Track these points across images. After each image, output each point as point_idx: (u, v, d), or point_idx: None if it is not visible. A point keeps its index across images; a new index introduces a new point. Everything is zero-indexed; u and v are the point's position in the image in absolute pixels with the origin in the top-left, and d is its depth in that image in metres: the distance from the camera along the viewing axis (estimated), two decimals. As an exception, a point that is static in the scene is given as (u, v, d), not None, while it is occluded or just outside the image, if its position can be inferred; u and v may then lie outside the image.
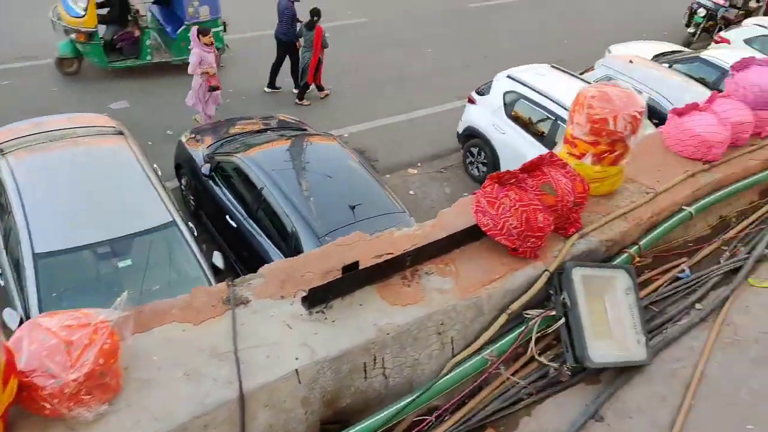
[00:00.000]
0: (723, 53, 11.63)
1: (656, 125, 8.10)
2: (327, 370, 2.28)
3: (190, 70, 9.55)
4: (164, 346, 2.22)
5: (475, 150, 10.43)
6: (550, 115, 9.49)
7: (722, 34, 13.12)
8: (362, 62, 12.67)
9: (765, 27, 12.62)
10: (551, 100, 9.54)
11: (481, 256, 2.88)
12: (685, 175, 3.61)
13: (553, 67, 10.59)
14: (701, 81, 10.79)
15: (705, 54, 11.70)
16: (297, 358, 2.24)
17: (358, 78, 12.26)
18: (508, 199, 2.79)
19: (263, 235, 7.29)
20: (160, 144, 9.38)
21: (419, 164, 10.68)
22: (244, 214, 7.43)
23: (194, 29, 9.64)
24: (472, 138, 10.45)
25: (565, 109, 9.31)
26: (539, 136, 9.60)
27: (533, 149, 9.45)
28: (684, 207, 3.51)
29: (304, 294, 2.41)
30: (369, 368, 2.40)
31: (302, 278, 2.56)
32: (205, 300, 2.40)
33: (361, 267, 2.55)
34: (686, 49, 12.84)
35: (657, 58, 12.06)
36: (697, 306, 3.27)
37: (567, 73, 10.46)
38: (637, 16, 15.77)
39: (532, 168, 3.11)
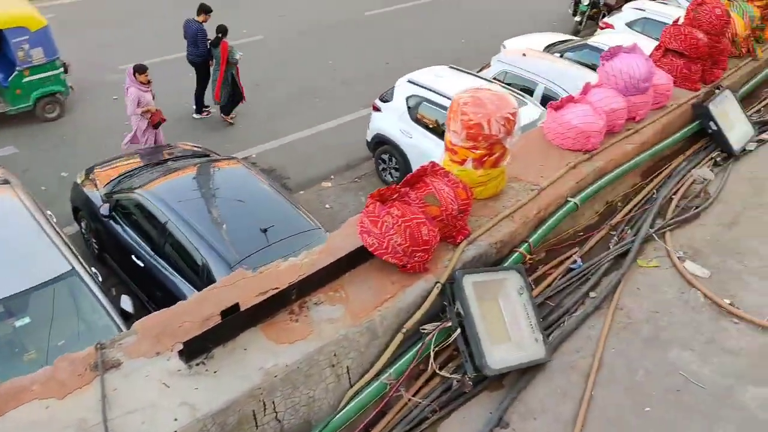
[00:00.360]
0: (607, 38, 12.17)
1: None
2: (211, 425, 2.14)
3: (129, 111, 8.99)
4: (24, 431, 2.01)
5: (386, 156, 10.45)
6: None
7: (606, 20, 13.76)
8: (264, 80, 12.44)
9: (642, 10, 13.33)
10: (449, 98, 9.67)
11: (371, 277, 2.81)
12: (567, 167, 3.68)
13: (451, 67, 10.77)
14: (591, 66, 11.26)
15: (591, 41, 12.22)
16: (176, 419, 2.08)
17: (261, 96, 12.02)
18: (391, 216, 2.74)
19: (173, 271, 6.97)
20: (54, 188, 8.84)
21: (332, 177, 10.57)
22: (150, 251, 7.08)
23: (130, 68, 9.01)
24: (381, 145, 10.46)
25: (467, 107, 9.51)
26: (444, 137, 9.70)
27: (441, 150, 9.57)
28: (569, 199, 3.58)
29: (181, 347, 2.26)
30: (259, 415, 2.28)
31: (180, 329, 2.40)
32: (70, 369, 2.20)
33: (243, 308, 2.43)
34: (575, 38, 13.36)
35: (549, 48, 12.49)
36: (591, 294, 3.34)
37: (465, 72, 10.67)
38: (528, 10, 16.30)
39: (415, 180, 3.08)
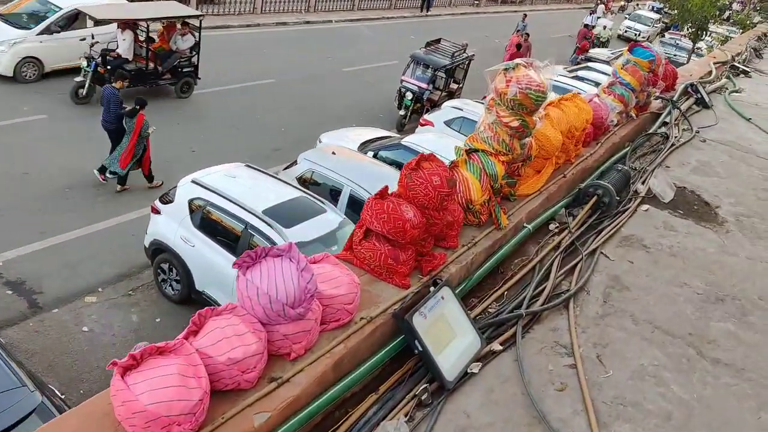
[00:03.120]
0: (423, 138, 11.21)
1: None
2: None
3: None
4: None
5: (165, 266, 8.41)
6: (239, 223, 7.88)
7: (426, 116, 12.88)
8: (41, 167, 9.98)
9: (460, 109, 12.61)
10: (239, 206, 7.97)
11: None
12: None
13: (248, 166, 9.09)
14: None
15: (406, 140, 11.16)
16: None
17: (32, 185, 9.56)
18: None
19: None
20: None
21: (100, 289, 8.31)
22: None
23: None
24: (160, 252, 8.43)
25: (255, 215, 7.80)
26: (231, 248, 7.91)
27: (226, 262, 7.77)
28: None
29: None
30: None
31: None
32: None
33: None
34: (394, 135, 12.29)
35: (365, 145, 11.28)
36: None
37: (262, 172, 9.03)
38: (356, 101, 15.14)
39: None
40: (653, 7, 35.62)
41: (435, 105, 14.01)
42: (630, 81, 6.04)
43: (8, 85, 11.99)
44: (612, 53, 19.70)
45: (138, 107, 9.67)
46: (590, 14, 27.59)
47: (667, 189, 5.33)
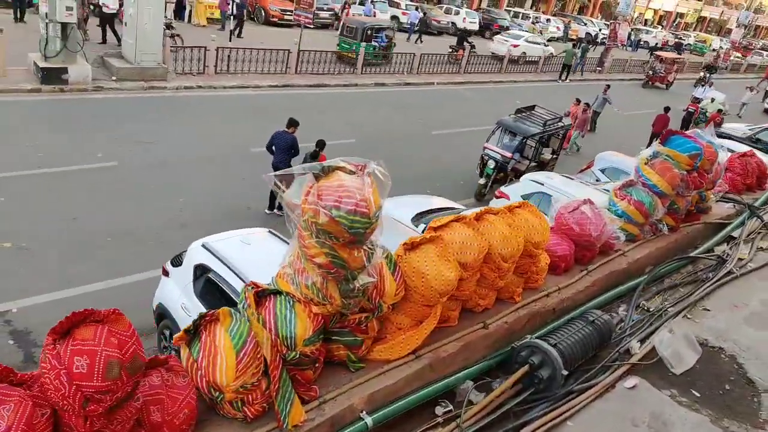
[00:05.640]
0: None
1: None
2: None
3: None
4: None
5: (167, 333, 7.12)
6: (237, 298, 6.30)
7: (503, 188, 10.62)
8: (89, 213, 9.37)
9: (541, 183, 10.19)
10: (241, 278, 6.43)
11: None
12: None
13: (270, 233, 7.61)
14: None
15: (463, 214, 8.96)
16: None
17: (73, 233, 8.95)
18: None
19: None
20: None
21: (100, 349, 7.18)
22: None
23: None
24: (164, 318, 7.18)
25: (254, 291, 6.22)
26: (225, 324, 6.32)
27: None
28: None
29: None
30: None
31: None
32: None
33: None
34: (459, 206, 10.18)
35: (420, 216, 9.35)
36: None
37: (283, 241, 7.47)
38: (443, 164, 13.25)
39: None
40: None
41: (520, 176, 11.66)
42: (657, 182, 3.62)
43: (88, 131, 11.98)
44: (750, 128, 15.71)
45: (318, 149, 9.65)
46: (699, 85, 22.85)
47: (684, 350, 2.74)
